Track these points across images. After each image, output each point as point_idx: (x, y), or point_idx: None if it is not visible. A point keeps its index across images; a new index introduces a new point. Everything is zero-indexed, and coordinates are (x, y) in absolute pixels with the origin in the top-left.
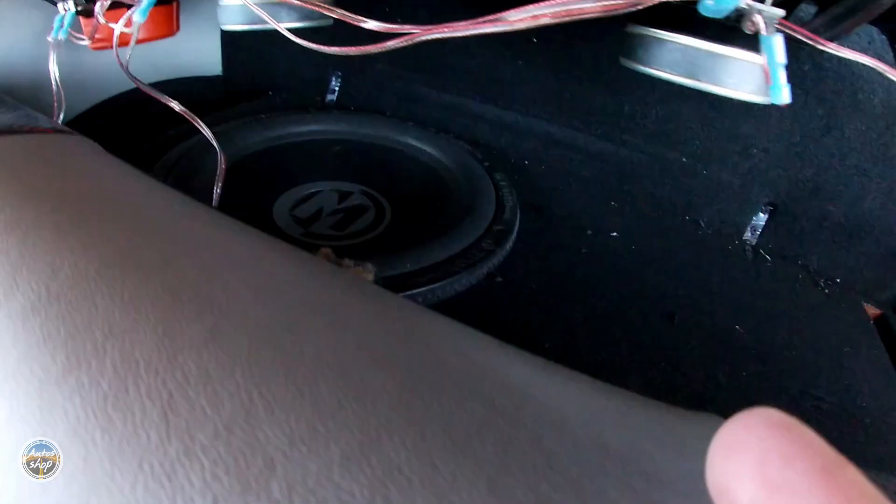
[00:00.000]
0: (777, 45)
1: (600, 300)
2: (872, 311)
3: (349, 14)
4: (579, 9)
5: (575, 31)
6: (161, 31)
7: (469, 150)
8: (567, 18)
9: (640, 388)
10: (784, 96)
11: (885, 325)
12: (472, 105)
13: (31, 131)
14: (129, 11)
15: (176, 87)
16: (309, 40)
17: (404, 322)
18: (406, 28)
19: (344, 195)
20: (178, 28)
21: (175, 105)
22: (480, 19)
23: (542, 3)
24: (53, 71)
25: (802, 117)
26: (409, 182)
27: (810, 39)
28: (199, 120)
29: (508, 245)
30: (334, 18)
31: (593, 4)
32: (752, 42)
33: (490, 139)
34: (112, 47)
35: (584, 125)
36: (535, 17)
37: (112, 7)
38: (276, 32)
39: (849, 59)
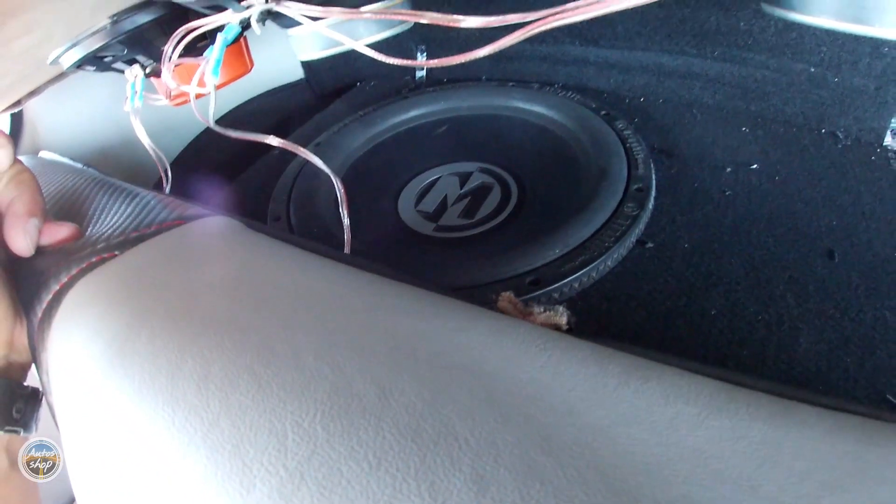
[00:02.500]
0: None
1: (757, 248)
2: None
3: (442, 15)
4: None
5: None
6: (237, 72)
7: (581, 101)
8: None
9: (813, 343)
10: None
11: None
12: (573, 50)
13: (181, 222)
14: (200, 69)
15: (262, 102)
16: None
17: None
18: (514, 18)
19: (464, 177)
20: (252, 64)
21: (275, 141)
22: None
23: None
24: (146, 141)
25: None
26: (526, 149)
27: None
28: (301, 149)
29: (650, 204)
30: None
31: None
32: None
33: (599, 83)
34: (188, 101)
35: (699, 49)
36: None
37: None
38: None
39: None
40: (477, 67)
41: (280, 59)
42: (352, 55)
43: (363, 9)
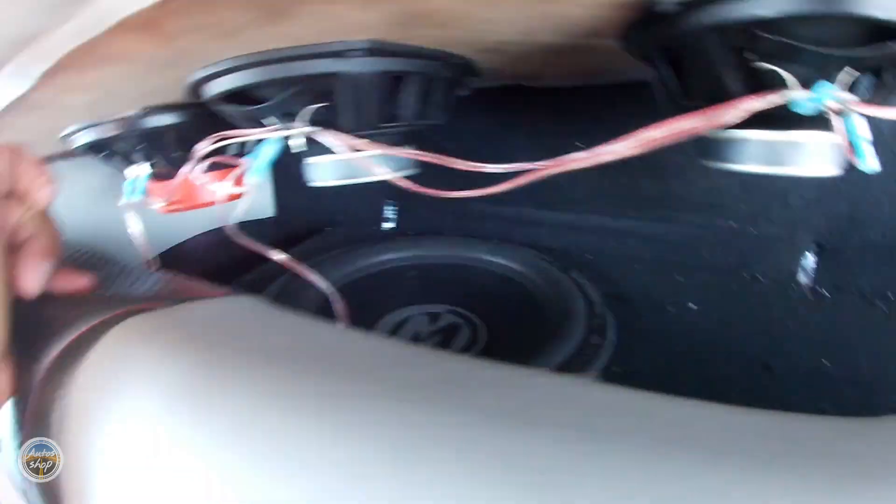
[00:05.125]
0: (859, 124)
1: (708, 368)
2: None
3: (466, 162)
4: (687, 127)
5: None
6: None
7: (537, 255)
8: (675, 139)
9: None
10: (874, 165)
11: None
12: (529, 212)
13: (200, 295)
14: (236, 171)
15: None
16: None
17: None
18: (527, 166)
19: (434, 317)
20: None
21: (278, 255)
22: (597, 149)
23: (650, 128)
24: (137, 236)
25: None
26: (491, 293)
27: (878, 113)
28: (307, 268)
29: (611, 336)
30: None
31: (698, 122)
32: (816, 123)
33: (551, 242)
34: (184, 209)
35: (637, 212)
36: (650, 141)
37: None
38: None
39: None
40: (442, 225)
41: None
42: (325, 198)
43: (400, 150)
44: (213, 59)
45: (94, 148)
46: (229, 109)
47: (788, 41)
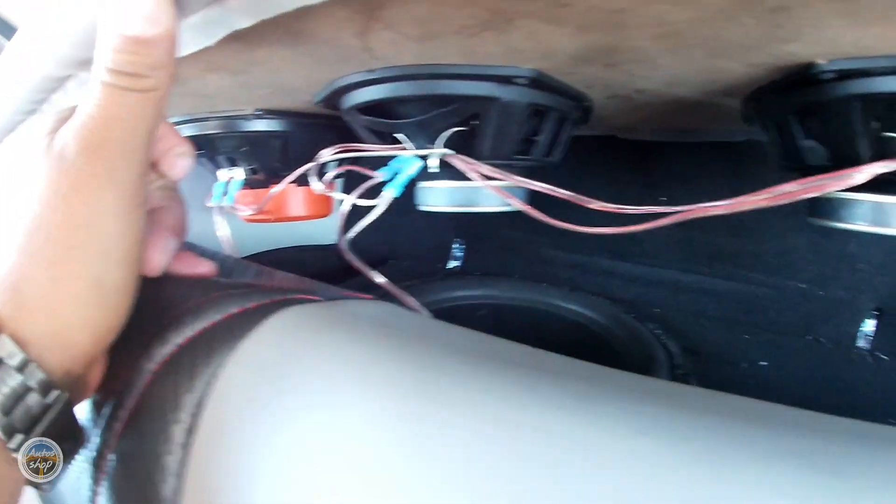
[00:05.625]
0: None
1: None
2: None
3: (602, 203)
4: (819, 185)
5: None
6: (319, 211)
7: (610, 304)
8: (805, 195)
9: None
10: None
11: None
12: (602, 262)
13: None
14: (367, 183)
15: (293, 255)
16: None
17: None
18: (665, 209)
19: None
20: (331, 210)
21: (380, 278)
22: (737, 199)
23: (786, 184)
24: (225, 237)
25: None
26: (567, 339)
27: None
28: (407, 294)
29: (694, 384)
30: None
31: (828, 182)
32: None
33: (621, 293)
34: (272, 221)
35: (709, 269)
36: (779, 196)
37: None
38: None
39: None
40: (511, 267)
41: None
42: (392, 230)
43: (535, 183)
44: (381, 65)
45: (196, 143)
46: (366, 121)
47: None
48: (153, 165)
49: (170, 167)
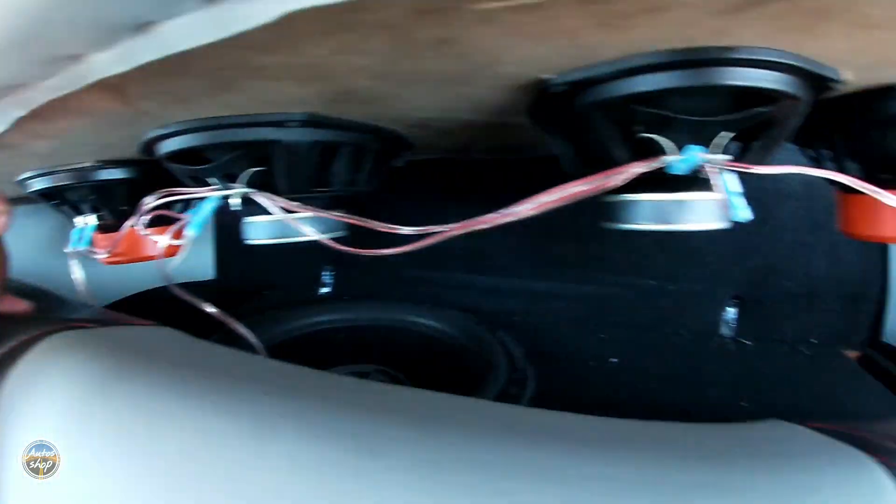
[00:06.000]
0: (730, 180)
1: (623, 415)
2: (854, 354)
3: (385, 224)
4: (577, 191)
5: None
6: (171, 250)
7: (465, 316)
8: (567, 201)
9: None
10: (746, 215)
11: (869, 361)
12: (459, 277)
13: (127, 323)
14: (176, 225)
15: (169, 293)
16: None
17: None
18: (433, 228)
19: (361, 375)
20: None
21: (211, 309)
22: (498, 213)
23: (547, 193)
24: (80, 283)
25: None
26: (418, 353)
27: (751, 170)
28: (236, 322)
29: (531, 389)
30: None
31: (588, 186)
32: (700, 184)
33: (480, 305)
34: (126, 261)
35: (561, 275)
36: (544, 203)
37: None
38: None
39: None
40: (376, 289)
41: (195, 257)
42: (264, 262)
43: (328, 213)
44: (168, 121)
45: (47, 195)
46: (176, 168)
47: (662, 112)
48: None
49: None
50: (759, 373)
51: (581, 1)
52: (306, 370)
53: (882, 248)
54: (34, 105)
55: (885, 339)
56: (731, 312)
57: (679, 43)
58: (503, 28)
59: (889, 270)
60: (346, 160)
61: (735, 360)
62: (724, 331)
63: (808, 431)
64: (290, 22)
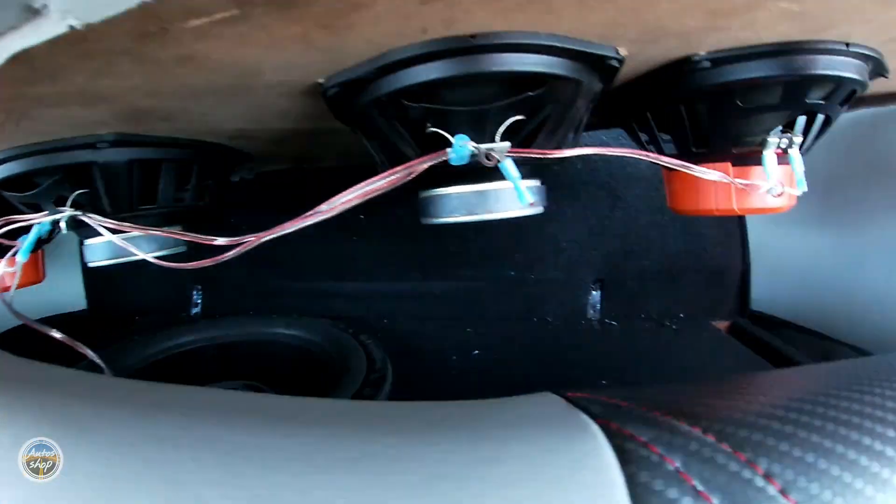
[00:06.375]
0: (509, 167)
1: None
2: (724, 324)
3: (200, 236)
4: (372, 188)
5: (394, 201)
6: (28, 279)
7: (332, 324)
8: (366, 198)
9: None
10: (528, 198)
11: (739, 330)
12: (325, 285)
13: None
14: (10, 252)
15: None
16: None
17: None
18: (245, 238)
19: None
20: (44, 275)
21: (57, 334)
22: (302, 216)
23: (344, 193)
24: None
25: (591, 204)
26: (284, 364)
27: (540, 154)
28: (84, 346)
29: (387, 388)
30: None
31: (381, 182)
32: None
33: (349, 311)
34: None
35: (422, 275)
36: (343, 203)
37: None
38: (136, 263)
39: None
40: (246, 304)
41: (67, 289)
42: (134, 289)
43: (153, 229)
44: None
45: None
46: (13, 198)
47: (433, 106)
48: None
49: None
50: (625, 351)
51: (280, 7)
52: (153, 385)
53: (740, 220)
54: None
55: (753, 307)
56: (595, 296)
57: (411, 37)
58: (229, 41)
59: (748, 240)
60: (170, 177)
61: (601, 340)
62: (591, 314)
63: (556, 400)
64: (27, 59)
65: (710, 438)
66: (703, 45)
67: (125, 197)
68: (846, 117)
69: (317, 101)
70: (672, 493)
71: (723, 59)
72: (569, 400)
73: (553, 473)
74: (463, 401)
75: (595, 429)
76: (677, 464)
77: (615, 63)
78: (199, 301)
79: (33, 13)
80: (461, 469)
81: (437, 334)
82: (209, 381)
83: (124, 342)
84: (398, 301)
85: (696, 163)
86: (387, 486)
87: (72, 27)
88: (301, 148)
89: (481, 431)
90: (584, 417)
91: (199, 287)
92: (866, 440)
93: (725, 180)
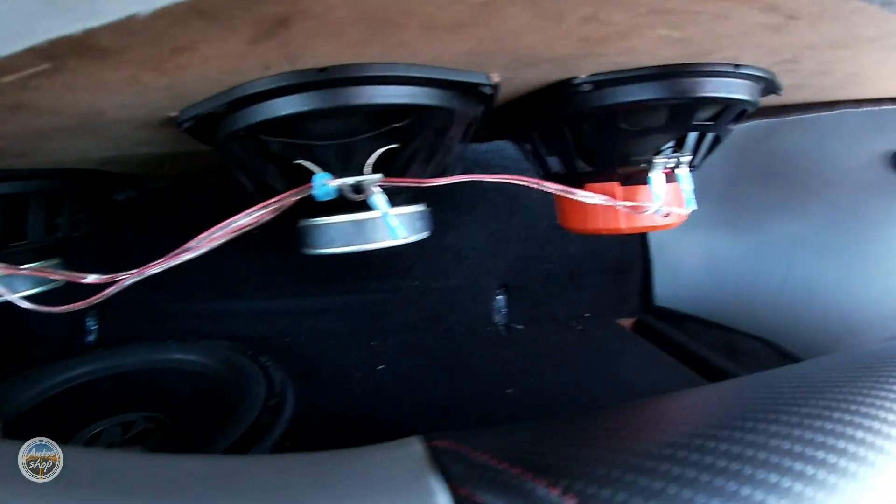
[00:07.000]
0: (378, 201)
1: (382, 425)
2: (629, 321)
3: (71, 273)
4: (240, 224)
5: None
6: None
7: (231, 346)
8: (235, 234)
9: None
10: (400, 234)
11: (644, 326)
12: (223, 305)
13: None
14: None
15: None
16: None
17: None
18: (118, 276)
19: (127, 426)
20: None
21: None
22: (172, 254)
23: (212, 230)
24: None
25: (490, 211)
26: (182, 392)
27: (414, 184)
28: None
29: (288, 413)
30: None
31: (248, 219)
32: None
33: (248, 331)
34: None
35: (322, 289)
36: (210, 240)
37: None
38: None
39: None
40: (142, 329)
41: None
42: (24, 317)
43: (23, 267)
44: None
45: None
46: None
47: (291, 141)
48: None
49: None
50: (531, 354)
51: (94, 58)
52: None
53: None
54: None
55: (656, 303)
56: (500, 301)
57: (254, 73)
58: (56, 90)
59: (648, 238)
60: (39, 210)
61: (507, 345)
62: (497, 319)
63: (418, 453)
64: None
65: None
66: (581, 69)
67: None
68: (741, 126)
69: (173, 130)
70: None
71: (605, 81)
72: (433, 451)
73: None
74: (319, 452)
75: (444, 498)
76: None
77: (488, 90)
78: (95, 327)
79: None
80: None
81: (340, 351)
82: (108, 415)
83: (15, 377)
84: (299, 318)
85: (582, 182)
86: None
87: None
88: (183, 167)
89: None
90: (435, 483)
91: (95, 312)
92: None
93: (609, 203)
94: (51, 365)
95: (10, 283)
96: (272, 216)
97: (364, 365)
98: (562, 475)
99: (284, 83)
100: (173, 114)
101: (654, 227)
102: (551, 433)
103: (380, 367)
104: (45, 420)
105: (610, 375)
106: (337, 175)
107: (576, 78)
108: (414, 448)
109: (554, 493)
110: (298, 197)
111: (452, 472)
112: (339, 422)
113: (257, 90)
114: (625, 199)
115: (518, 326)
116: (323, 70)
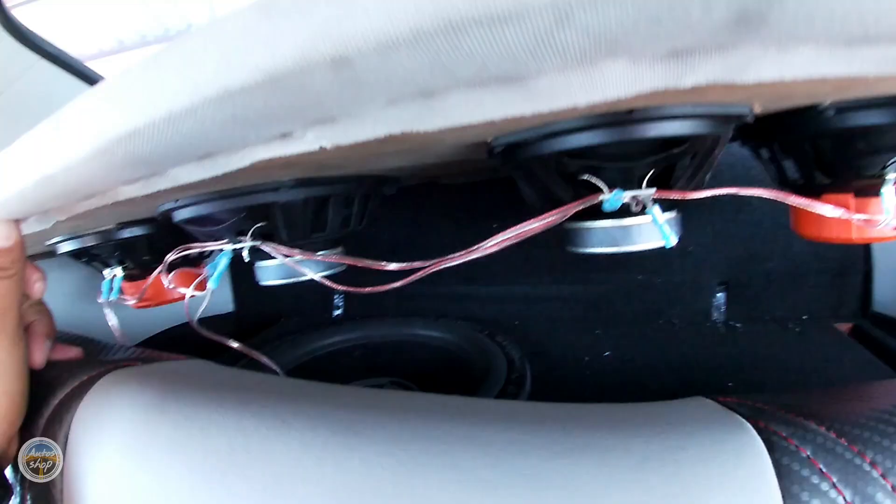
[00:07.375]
0: (657, 213)
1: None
2: (846, 326)
3: (375, 262)
4: (528, 229)
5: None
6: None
7: (468, 325)
8: (522, 238)
9: None
10: (672, 242)
11: (860, 332)
12: (460, 289)
13: (165, 359)
14: (199, 278)
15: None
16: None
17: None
18: (414, 264)
19: (378, 388)
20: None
21: (234, 343)
22: (467, 250)
23: (503, 233)
24: (115, 328)
25: (716, 208)
26: (427, 363)
27: (680, 196)
28: (256, 352)
29: (528, 386)
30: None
31: (537, 224)
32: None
33: (482, 314)
34: (153, 305)
35: (552, 278)
36: (501, 241)
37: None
38: None
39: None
40: (385, 307)
41: (214, 293)
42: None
43: (318, 254)
44: (183, 196)
45: (76, 254)
46: (194, 230)
47: (588, 163)
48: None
49: (33, 290)
50: (749, 353)
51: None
52: (329, 386)
53: None
54: (78, 211)
55: (875, 309)
56: (720, 298)
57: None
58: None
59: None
60: (337, 207)
61: (725, 342)
62: (716, 316)
63: (712, 404)
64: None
65: (832, 435)
66: (828, 99)
67: (299, 228)
68: None
69: (477, 148)
70: (805, 472)
71: (846, 107)
72: (721, 403)
73: (719, 461)
74: (624, 404)
75: (748, 426)
76: (808, 452)
77: (749, 119)
78: (341, 304)
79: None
80: (644, 465)
81: (567, 336)
82: (357, 378)
83: (275, 343)
84: (528, 304)
85: (819, 193)
86: (554, 487)
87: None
88: (441, 171)
89: (653, 433)
90: (738, 418)
91: (340, 291)
92: None
93: (846, 216)
94: (306, 333)
95: (306, 265)
96: (557, 222)
97: (591, 350)
98: (824, 418)
99: (599, 122)
100: (489, 140)
101: (883, 238)
102: (806, 396)
103: (606, 353)
104: (310, 375)
105: (826, 382)
106: (616, 189)
107: (820, 105)
108: (704, 402)
109: (821, 429)
110: (585, 206)
111: (742, 412)
112: (576, 399)
113: (572, 126)
114: (857, 211)
115: (736, 325)
116: (630, 112)
